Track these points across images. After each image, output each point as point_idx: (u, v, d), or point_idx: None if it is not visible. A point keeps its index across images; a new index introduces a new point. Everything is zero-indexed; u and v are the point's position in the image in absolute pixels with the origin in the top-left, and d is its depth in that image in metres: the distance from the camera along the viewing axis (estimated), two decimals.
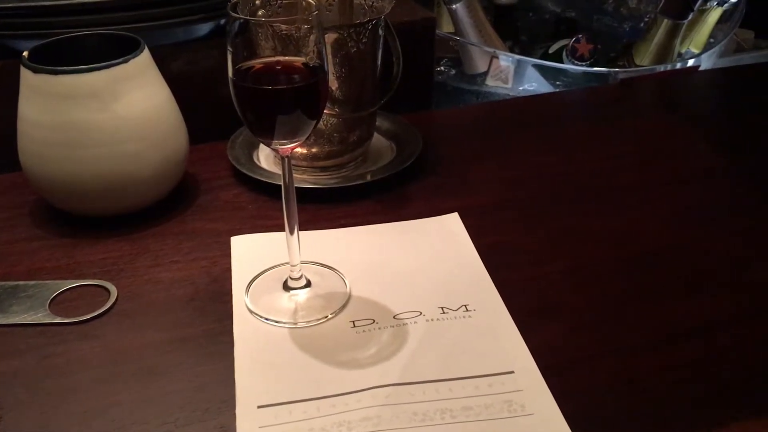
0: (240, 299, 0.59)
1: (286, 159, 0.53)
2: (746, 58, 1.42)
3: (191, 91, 0.75)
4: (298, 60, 0.50)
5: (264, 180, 0.73)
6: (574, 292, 0.60)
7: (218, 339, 0.55)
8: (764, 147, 0.85)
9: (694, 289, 0.61)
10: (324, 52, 0.50)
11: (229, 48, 0.49)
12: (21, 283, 0.61)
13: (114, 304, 0.59)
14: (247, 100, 0.50)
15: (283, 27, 0.51)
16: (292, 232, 0.57)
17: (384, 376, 0.51)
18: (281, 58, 0.50)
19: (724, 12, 1.21)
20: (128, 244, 0.66)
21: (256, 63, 0.50)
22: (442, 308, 0.57)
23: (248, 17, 0.49)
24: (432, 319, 0.56)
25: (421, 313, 0.57)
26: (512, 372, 0.51)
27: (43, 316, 0.57)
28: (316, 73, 0.50)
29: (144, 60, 0.66)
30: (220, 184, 0.75)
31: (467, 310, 0.57)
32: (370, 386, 0.50)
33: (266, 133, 0.52)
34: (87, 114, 0.63)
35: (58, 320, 0.57)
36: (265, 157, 0.78)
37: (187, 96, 0.72)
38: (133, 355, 0.53)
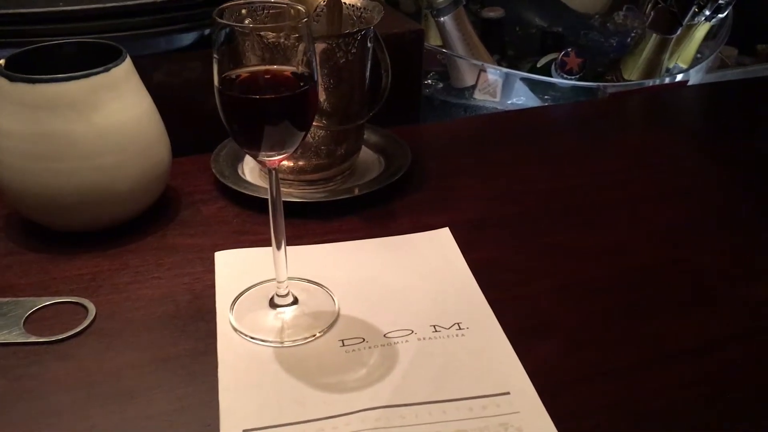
0: (224, 317, 0.56)
1: (274, 172, 0.51)
2: (729, 74, 1.43)
3: (174, 103, 0.73)
4: (287, 69, 0.49)
5: (249, 193, 0.71)
6: (567, 309, 0.58)
7: (201, 359, 0.53)
8: (755, 162, 0.85)
9: (690, 305, 0.59)
10: (314, 61, 0.48)
11: (215, 56, 0.47)
12: None
13: (92, 322, 0.56)
14: (233, 110, 0.48)
15: (271, 35, 0.49)
16: (279, 247, 0.55)
17: (374, 397, 0.49)
18: (269, 67, 0.48)
19: (711, 28, 1.21)
20: (107, 260, 0.63)
21: (243, 72, 0.49)
22: (434, 326, 0.55)
23: (235, 24, 0.47)
24: (424, 338, 0.54)
25: (412, 332, 0.55)
26: (508, 393, 0.49)
27: (17, 335, 0.55)
28: (306, 82, 0.48)
29: (125, 69, 0.64)
30: (203, 198, 0.73)
31: (460, 329, 0.55)
32: (360, 409, 0.48)
33: (253, 145, 0.50)
34: (65, 125, 0.61)
35: (32, 339, 0.54)
36: (249, 171, 0.76)
37: (170, 107, 0.70)
38: (110, 377, 0.51)
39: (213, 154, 0.77)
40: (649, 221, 0.72)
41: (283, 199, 0.69)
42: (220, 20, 0.46)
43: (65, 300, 0.58)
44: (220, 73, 0.47)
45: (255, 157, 0.51)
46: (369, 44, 0.70)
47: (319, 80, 0.67)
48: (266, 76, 0.48)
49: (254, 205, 0.70)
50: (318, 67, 0.48)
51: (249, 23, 0.58)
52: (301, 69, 0.48)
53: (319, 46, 0.66)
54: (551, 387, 0.50)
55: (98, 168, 0.62)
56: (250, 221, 0.69)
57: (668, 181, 0.80)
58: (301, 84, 0.48)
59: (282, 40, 0.49)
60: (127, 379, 0.51)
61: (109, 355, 0.53)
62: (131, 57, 0.65)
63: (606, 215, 0.72)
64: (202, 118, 0.67)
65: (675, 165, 0.84)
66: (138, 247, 0.65)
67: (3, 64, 0.61)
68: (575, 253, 0.66)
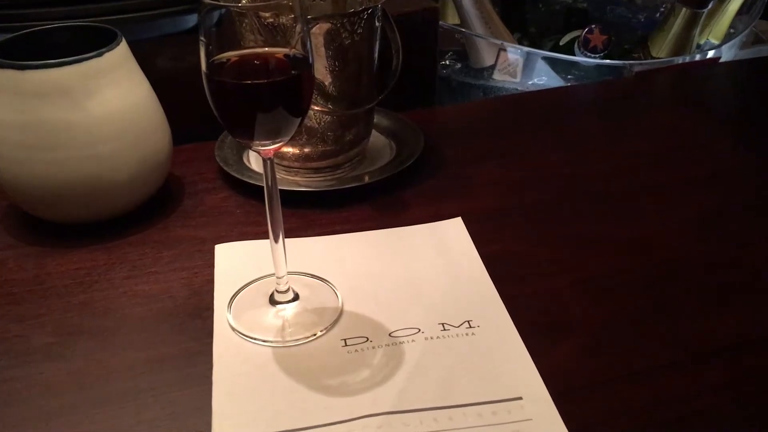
0: (222, 315, 0.54)
1: (269, 161, 0.48)
2: (765, 50, 1.36)
3: (177, 88, 0.70)
4: (280, 51, 0.45)
5: (253, 183, 0.68)
6: (588, 307, 0.55)
7: (196, 360, 0.50)
8: None
9: (721, 303, 0.55)
10: (309, 42, 0.45)
11: (202, 39, 0.44)
12: None
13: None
14: (221, 97, 0.45)
15: (266, 16, 0.46)
16: (276, 241, 0.52)
17: (377, 402, 0.46)
18: (260, 50, 0.45)
19: (745, 0, 1.14)
20: (105, 253, 0.61)
21: (233, 55, 0.45)
22: (442, 325, 0.52)
23: (220, 3, 0.44)
24: (431, 338, 0.51)
25: (419, 331, 0.52)
26: (520, 398, 0.46)
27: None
28: (299, 65, 0.45)
29: (120, 54, 0.61)
30: (206, 188, 0.70)
31: (470, 327, 0.52)
32: (362, 415, 0.45)
33: (245, 134, 0.47)
34: (58, 113, 0.58)
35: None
36: (255, 159, 0.73)
37: (173, 93, 0.67)
38: (102, 379, 0.49)
39: (217, 141, 0.74)
40: (679, 210, 0.67)
41: (289, 187, 0.67)
42: (206, 1, 0.43)
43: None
44: (207, 57, 0.44)
45: (248, 146, 0.48)
46: (377, 23, 0.67)
47: (323, 63, 0.64)
48: (257, 61, 0.45)
49: (259, 194, 0.66)
50: (320, 50, 0.44)
51: (247, 1, 0.55)
52: (295, 51, 0.45)
53: (323, 26, 0.62)
54: (568, 392, 0.46)
55: (94, 157, 0.60)
56: (255, 212, 0.66)
57: (699, 165, 0.75)
58: (294, 67, 0.45)
59: (281, 20, 0.45)
60: (118, 382, 0.48)
61: (101, 356, 0.50)
62: (133, 41, 0.62)
63: (633, 203, 0.68)
64: (207, 104, 0.64)
65: (706, 148, 0.79)
66: (137, 240, 0.63)
67: None
68: (599, 244, 0.62)
